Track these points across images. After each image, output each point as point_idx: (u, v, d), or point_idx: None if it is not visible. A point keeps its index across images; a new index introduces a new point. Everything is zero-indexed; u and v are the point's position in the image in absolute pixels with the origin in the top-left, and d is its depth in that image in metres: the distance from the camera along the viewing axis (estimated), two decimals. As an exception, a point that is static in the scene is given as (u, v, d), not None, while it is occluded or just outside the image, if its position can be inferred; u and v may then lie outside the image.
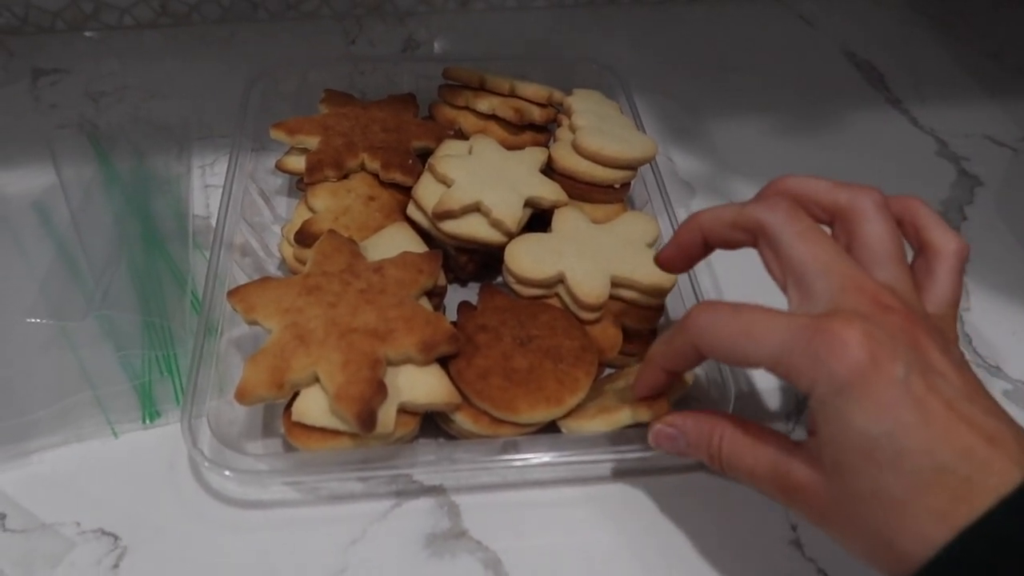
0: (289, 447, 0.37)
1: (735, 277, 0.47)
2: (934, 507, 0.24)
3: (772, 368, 0.27)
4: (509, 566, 0.35)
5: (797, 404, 0.41)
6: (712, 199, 0.53)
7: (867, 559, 0.27)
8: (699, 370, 0.39)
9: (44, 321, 0.40)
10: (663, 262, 0.35)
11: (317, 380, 0.34)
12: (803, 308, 0.28)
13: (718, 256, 0.48)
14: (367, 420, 0.33)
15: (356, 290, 0.37)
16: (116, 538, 0.35)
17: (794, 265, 0.29)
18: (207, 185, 0.52)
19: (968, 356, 0.44)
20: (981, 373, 0.44)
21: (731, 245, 0.32)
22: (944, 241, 0.31)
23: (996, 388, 0.43)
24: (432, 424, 0.38)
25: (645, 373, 0.34)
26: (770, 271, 0.31)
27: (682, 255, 0.34)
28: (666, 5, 0.72)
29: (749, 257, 0.51)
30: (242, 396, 0.34)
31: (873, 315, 0.26)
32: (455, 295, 0.43)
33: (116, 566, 0.34)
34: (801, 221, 0.29)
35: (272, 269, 0.46)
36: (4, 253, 0.46)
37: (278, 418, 0.39)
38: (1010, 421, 0.26)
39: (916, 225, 0.32)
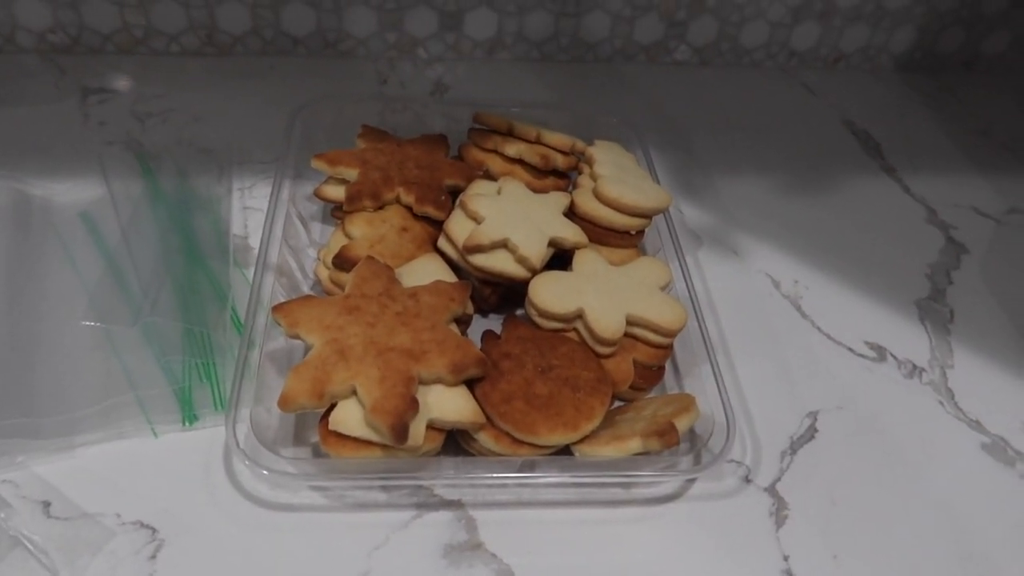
0: (318, 456, 0.40)
1: (738, 321, 0.51)
2: None
3: None
4: (521, 578, 0.37)
5: (791, 444, 0.44)
6: (717, 249, 0.57)
7: None
8: (704, 405, 0.42)
9: (97, 324, 0.43)
10: None
11: (354, 393, 0.37)
12: None
13: (722, 300, 0.52)
14: (400, 432, 0.35)
15: (393, 312, 0.40)
16: (154, 531, 0.37)
17: None
18: (245, 207, 0.55)
19: (949, 411, 0.48)
20: (961, 427, 0.47)
21: None
22: None
23: (975, 441, 0.46)
24: (453, 442, 0.40)
25: None
26: None
27: None
28: (680, 66, 0.76)
29: (751, 301, 0.54)
30: (285, 403, 0.36)
31: None
32: (476, 325, 0.46)
33: (153, 557, 0.36)
34: None
35: (306, 289, 0.49)
36: (54, 259, 0.48)
37: (308, 429, 0.41)
38: None
39: None
